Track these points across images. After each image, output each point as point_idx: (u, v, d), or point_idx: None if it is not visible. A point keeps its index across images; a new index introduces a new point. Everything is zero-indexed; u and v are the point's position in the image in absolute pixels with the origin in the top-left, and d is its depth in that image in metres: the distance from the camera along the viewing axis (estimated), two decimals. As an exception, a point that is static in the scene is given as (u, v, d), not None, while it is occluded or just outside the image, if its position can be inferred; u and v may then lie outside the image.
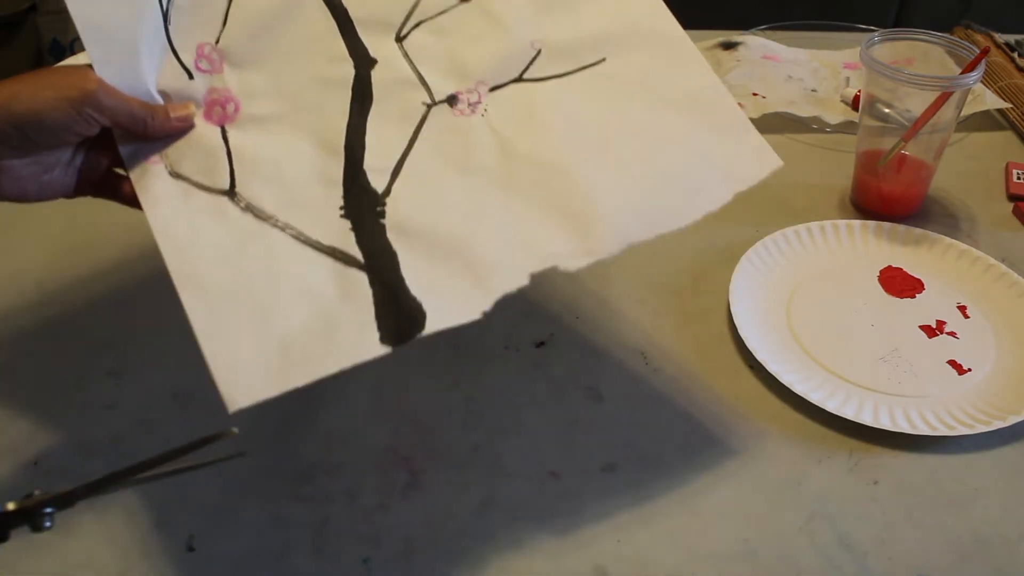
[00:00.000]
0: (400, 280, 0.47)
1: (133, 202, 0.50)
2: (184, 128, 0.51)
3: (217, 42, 0.53)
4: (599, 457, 0.56)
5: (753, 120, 0.89)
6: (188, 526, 0.51)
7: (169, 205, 0.49)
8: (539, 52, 0.54)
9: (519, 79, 0.54)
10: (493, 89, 0.53)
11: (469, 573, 0.49)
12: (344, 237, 0.48)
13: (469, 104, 0.53)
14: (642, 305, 0.67)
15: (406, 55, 0.54)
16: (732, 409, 0.59)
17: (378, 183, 0.50)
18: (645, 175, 0.50)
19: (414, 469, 0.55)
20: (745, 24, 1.06)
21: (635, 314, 0.66)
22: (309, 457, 0.56)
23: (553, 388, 0.60)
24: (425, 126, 0.52)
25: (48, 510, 0.41)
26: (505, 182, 0.50)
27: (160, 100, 0.51)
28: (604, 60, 0.54)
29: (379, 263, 0.48)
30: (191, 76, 0.52)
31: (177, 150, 0.51)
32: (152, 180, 0.50)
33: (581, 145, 0.51)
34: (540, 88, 0.53)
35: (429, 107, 0.53)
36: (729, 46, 1.00)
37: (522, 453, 0.56)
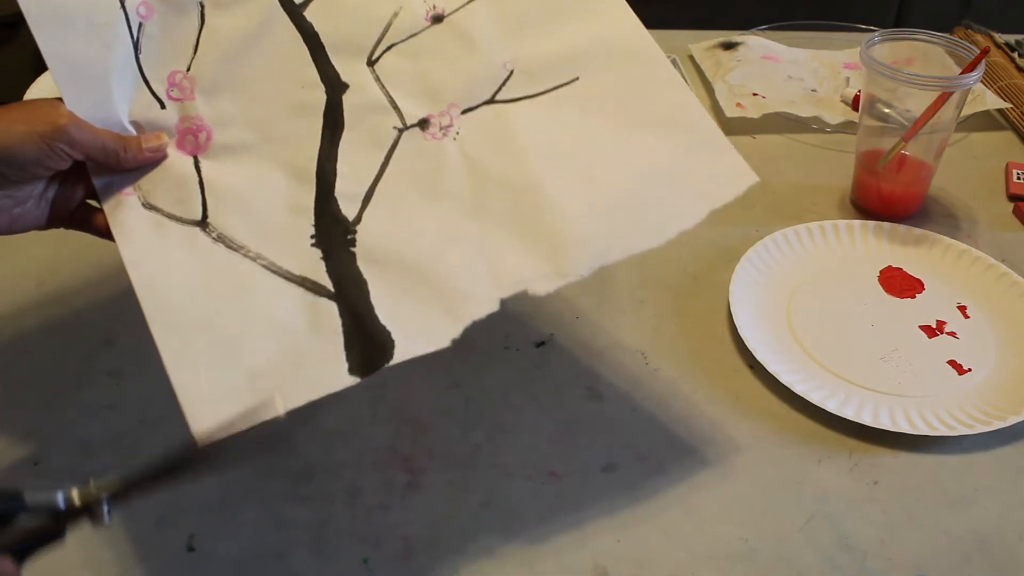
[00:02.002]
0: (370, 309, 0.47)
1: (105, 234, 0.50)
2: (157, 159, 0.51)
3: (188, 69, 0.52)
4: (599, 457, 0.56)
5: (753, 120, 0.90)
6: (188, 526, 0.51)
7: (142, 237, 0.49)
8: (511, 73, 0.53)
9: (491, 101, 0.53)
10: (465, 111, 0.53)
11: (469, 573, 0.49)
12: (315, 266, 0.48)
13: (441, 128, 0.52)
14: (642, 305, 0.67)
15: (378, 79, 0.54)
16: (732, 409, 0.59)
17: (349, 210, 0.50)
18: (618, 196, 0.50)
19: (414, 469, 0.55)
20: (745, 24, 1.06)
21: (635, 314, 0.66)
22: (309, 457, 0.56)
23: (553, 388, 0.60)
24: (396, 151, 0.52)
25: (106, 503, 0.40)
26: (476, 207, 0.50)
27: (133, 131, 0.51)
28: (577, 79, 0.53)
29: (349, 292, 0.47)
30: (163, 105, 0.52)
31: (150, 181, 0.51)
32: (125, 212, 0.50)
33: (553, 166, 0.51)
34: (512, 109, 0.53)
35: (400, 132, 0.52)
36: (729, 46, 1.00)
37: (522, 453, 0.56)
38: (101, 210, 0.51)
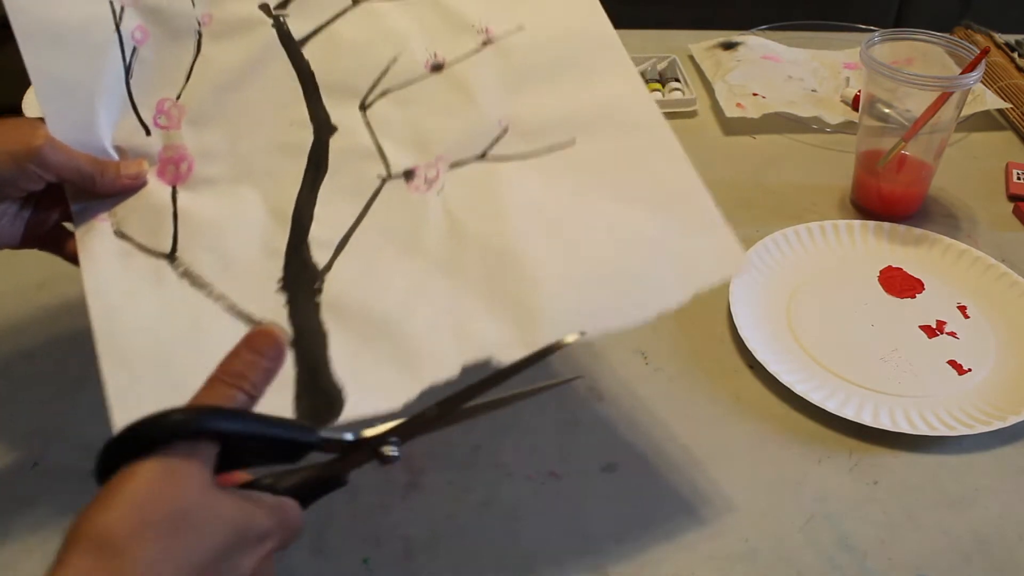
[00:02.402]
0: (325, 362, 0.45)
1: (75, 260, 0.50)
2: (135, 186, 0.50)
3: (178, 98, 0.52)
4: (599, 457, 0.56)
5: (753, 120, 0.90)
6: (188, 526, 0.51)
7: (107, 267, 0.48)
8: (506, 130, 0.51)
9: (482, 157, 0.51)
10: (454, 166, 0.51)
11: (469, 573, 0.49)
12: (277, 312, 0.47)
13: (426, 180, 0.51)
14: (642, 305, 0.67)
15: (368, 124, 0.52)
16: (732, 409, 0.59)
17: (320, 257, 0.49)
18: (601, 270, 0.47)
19: (414, 469, 0.55)
20: (745, 24, 1.06)
21: (635, 314, 0.66)
22: (309, 457, 0.55)
23: (553, 388, 0.60)
24: (377, 200, 0.50)
25: (394, 439, 0.39)
26: (450, 267, 0.48)
27: (115, 155, 0.50)
28: (574, 142, 0.51)
29: (307, 342, 0.46)
30: (148, 132, 0.51)
31: (126, 208, 0.50)
32: (95, 238, 0.49)
33: (537, 233, 0.48)
34: (502, 168, 0.51)
35: (384, 181, 0.51)
36: (729, 46, 1.00)
37: (522, 453, 0.56)
38: (74, 236, 0.50)
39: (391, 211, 0.50)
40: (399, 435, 0.39)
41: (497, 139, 0.51)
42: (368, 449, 0.39)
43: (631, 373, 0.62)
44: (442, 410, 0.40)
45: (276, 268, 0.49)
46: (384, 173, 0.51)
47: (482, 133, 0.52)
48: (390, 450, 0.39)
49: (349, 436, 0.39)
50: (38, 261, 0.70)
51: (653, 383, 0.61)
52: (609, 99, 0.52)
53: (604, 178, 0.50)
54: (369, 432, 0.39)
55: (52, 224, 0.51)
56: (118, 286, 0.48)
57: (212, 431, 0.34)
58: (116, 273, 0.48)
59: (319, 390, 0.45)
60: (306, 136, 0.52)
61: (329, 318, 0.47)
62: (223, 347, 0.43)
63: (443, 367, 0.44)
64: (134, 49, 0.51)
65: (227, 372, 0.37)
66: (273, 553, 0.37)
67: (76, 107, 0.49)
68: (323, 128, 0.52)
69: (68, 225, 0.51)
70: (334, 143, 0.52)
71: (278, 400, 0.43)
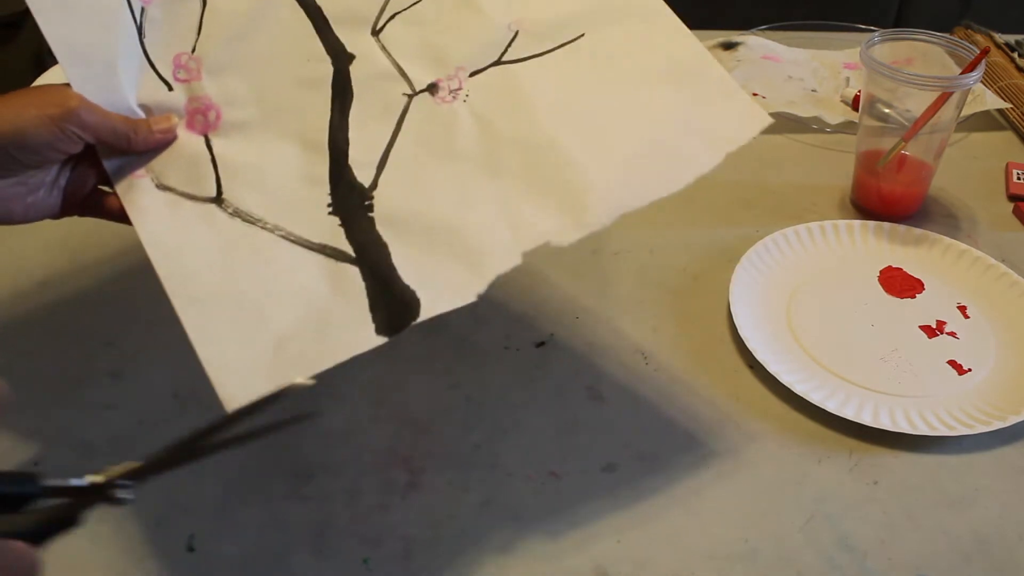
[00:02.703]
0: (392, 270, 0.47)
1: (120, 217, 0.50)
2: (167, 140, 0.51)
3: (193, 51, 0.53)
4: (599, 457, 0.56)
5: (753, 120, 0.89)
6: (188, 526, 0.51)
7: (158, 217, 0.49)
8: (516, 34, 0.54)
9: (498, 62, 0.53)
10: (473, 74, 0.53)
11: (469, 573, 0.49)
12: (334, 233, 0.49)
13: (450, 91, 0.53)
14: (642, 305, 0.67)
15: (383, 48, 0.54)
16: (732, 409, 0.59)
17: (364, 177, 0.51)
18: (633, 146, 0.50)
19: (414, 469, 0.55)
20: (745, 24, 1.05)
21: (635, 314, 0.66)
22: (309, 457, 0.56)
23: (553, 388, 0.60)
24: (407, 117, 0.52)
25: (126, 482, 0.38)
26: (491, 166, 0.50)
27: (142, 114, 0.51)
28: (583, 36, 0.53)
29: (370, 256, 0.48)
30: (170, 87, 0.52)
31: (162, 162, 0.51)
32: (139, 194, 0.50)
33: (565, 122, 0.51)
34: (520, 69, 0.53)
35: (410, 97, 0.53)
36: (729, 46, 1.00)
37: (522, 453, 0.56)
38: (113, 194, 0.51)
39: (423, 124, 0.52)
40: (132, 478, 0.38)
41: (510, 43, 0.54)
42: (99, 492, 0.38)
43: (631, 373, 0.62)
44: (171, 454, 0.39)
45: (322, 194, 0.50)
46: (409, 90, 0.53)
47: (495, 40, 0.54)
48: (123, 493, 0.38)
49: (76, 482, 0.38)
50: (39, 259, 0.70)
51: (653, 383, 0.61)
52: None
53: (618, 64, 0.52)
54: (97, 478, 0.38)
55: (90, 188, 0.51)
56: (173, 232, 0.49)
57: None
58: (168, 221, 0.49)
59: (393, 297, 0.46)
60: (325, 68, 0.53)
61: (385, 231, 0.49)
62: (290, 271, 0.47)
63: (505, 258, 0.47)
64: (143, 9, 0.52)
65: None
66: None
67: (98, 70, 0.50)
68: (340, 57, 0.54)
69: (104, 188, 0.52)
70: (354, 70, 0.53)
71: (354, 312, 0.46)
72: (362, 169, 0.51)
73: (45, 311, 0.66)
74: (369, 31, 0.54)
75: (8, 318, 0.65)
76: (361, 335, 0.45)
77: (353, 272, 0.47)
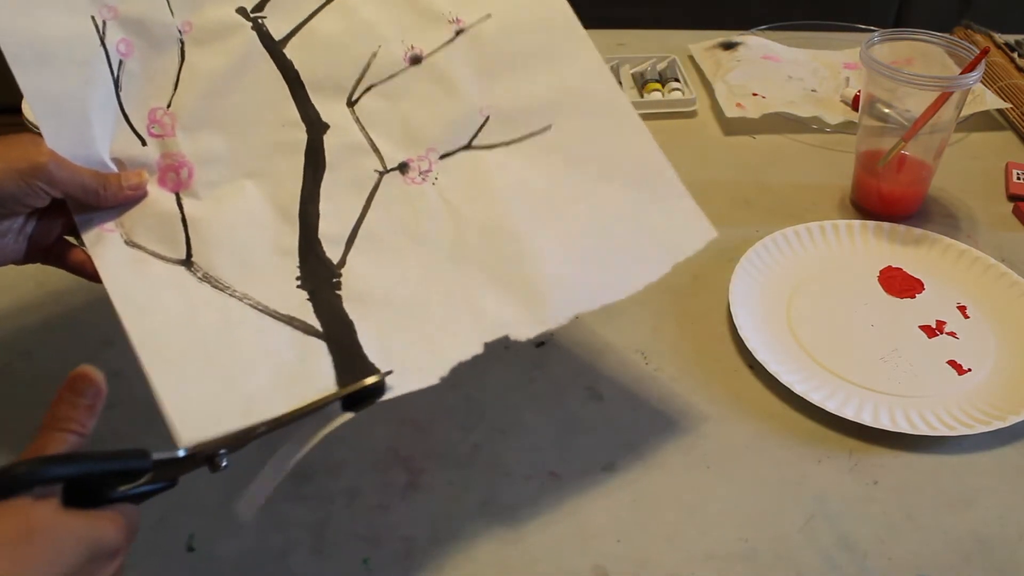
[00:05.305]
0: (358, 347, 0.47)
1: (81, 271, 0.50)
2: (137, 196, 0.51)
3: (169, 106, 0.52)
4: (599, 457, 0.56)
5: (753, 120, 0.90)
6: (188, 526, 0.51)
7: (126, 273, 0.49)
8: (487, 119, 0.55)
9: (468, 146, 0.54)
10: (443, 156, 0.54)
11: (469, 573, 0.49)
12: (302, 307, 0.49)
13: (420, 172, 0.53)
14: (642, 305, 0.67)
15: (357, 120, 0.54)
16: (732, 409, 0.59)
17: (333, 253, 0.51)
18: (590, 246, 0.51)
19: (414, 469, 0.55)
20: (745, 24, 1.06)
21: (635, 314, 0.66)
22: (309, 457, 0.55)
23: (553, 388, 0.60)
24: (377, 194, 0.53)
25: (223, 450, 0.42)
26: (455, 253, 0.51)
27: (114, 168, 0.51)
28: (549, 128, 0.54)
29: (336, 332, 0.48)
30: (144, 142, 0.52)
31: (132, 219, 0.50)
32: (107, 248, 0.49)
33: (528, 214, 0.52)
34: (488, 156, 0.54)
35: (381, 175, 0.53)
36: (729, 46, 1.00)
37: (522, 453, 0.56)
38: (78, 247, 0.50)
39: (392, 203, 0.52)
40: (228, 447, 0.42)
41: (480, 128, 0.54)
42: (200, 459, 0.42)
43: (631, 373, 0.62)
44: (269, 427, 0.44)
45: (292, 266, 0.50)
46: (380, 167, 0.53)
47: (466, 123, 0.55)
48: (219, 459, 0.42)
49: (181, 453, 0.42)
50: (38, 261, 0.70)
51: (653, 383, 0.61)
52: (576, 84, 0.55)
53: (581, 159, 0.54)
54: (200, 446, 0.42)
55: (55, 238, 0.51)
56: (142, 291, 0.48)
57: (50, 478, 0.37)
58: (136, 279, 0.49)
59: (359, 376, 0.46)
60: (300, 135, 0.53)
61: (353, 309, 0.49)
62: (258, 337, 0.47)
63: (467, 347, 0.47)
64: (120, 62, 0.51)
65: (55, 418, 0.39)
66: (122, 566, 0.38)
67: (72, 123, 0.49)
68: (315, 126, 0.53)
69: (70, 239, 0.51)
70: (328, 140, 0.53)
71: (321, 385, 0.46)
72: (331, 244, 0.51)
73: (44, 311, 0.66)
74: (345, 101, 0.54)
75: (8, 318, 0.65)
76: (327, 410, 0.45)
77: (320, 346, 0.47)
